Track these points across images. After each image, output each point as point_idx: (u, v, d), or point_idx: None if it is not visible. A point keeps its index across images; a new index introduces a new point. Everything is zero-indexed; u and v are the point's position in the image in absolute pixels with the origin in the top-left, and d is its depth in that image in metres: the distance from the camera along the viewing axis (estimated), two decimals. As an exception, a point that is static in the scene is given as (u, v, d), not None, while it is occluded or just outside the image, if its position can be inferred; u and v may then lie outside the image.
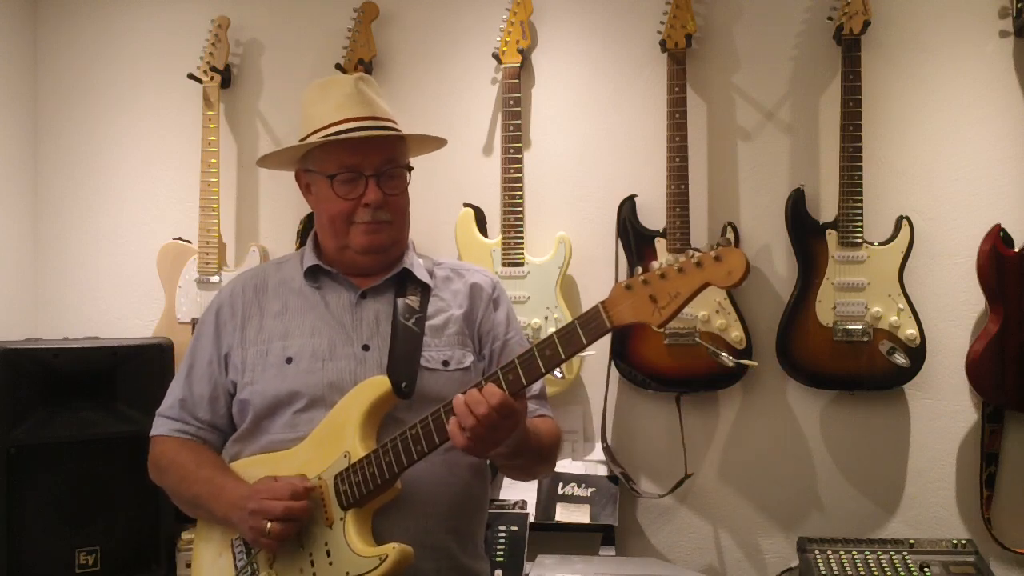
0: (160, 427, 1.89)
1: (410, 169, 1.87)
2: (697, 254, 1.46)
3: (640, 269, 1.51)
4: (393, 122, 1.85)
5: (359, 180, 1.79)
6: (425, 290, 1.87)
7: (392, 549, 1.60)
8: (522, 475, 1.96)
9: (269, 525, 1.62)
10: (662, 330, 1.53)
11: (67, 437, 2.60)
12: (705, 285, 1.46)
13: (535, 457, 1.80)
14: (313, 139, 1.80)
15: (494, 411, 1.52)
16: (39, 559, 2.56)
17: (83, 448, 2.61)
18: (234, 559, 1.76)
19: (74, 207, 3.27)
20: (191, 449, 1.84)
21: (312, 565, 1.66)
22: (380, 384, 1.70)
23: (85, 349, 2.69)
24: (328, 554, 1.65)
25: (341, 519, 1.65)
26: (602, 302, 1.52)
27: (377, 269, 1.86)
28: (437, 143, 1.96)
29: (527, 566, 2.56)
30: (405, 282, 1.87)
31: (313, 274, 1.87)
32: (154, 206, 3.22)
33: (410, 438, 1.62)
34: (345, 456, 1.67)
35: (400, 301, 1.83)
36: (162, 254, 3.06)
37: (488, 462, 1.89)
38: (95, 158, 3.26)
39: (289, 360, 1.79)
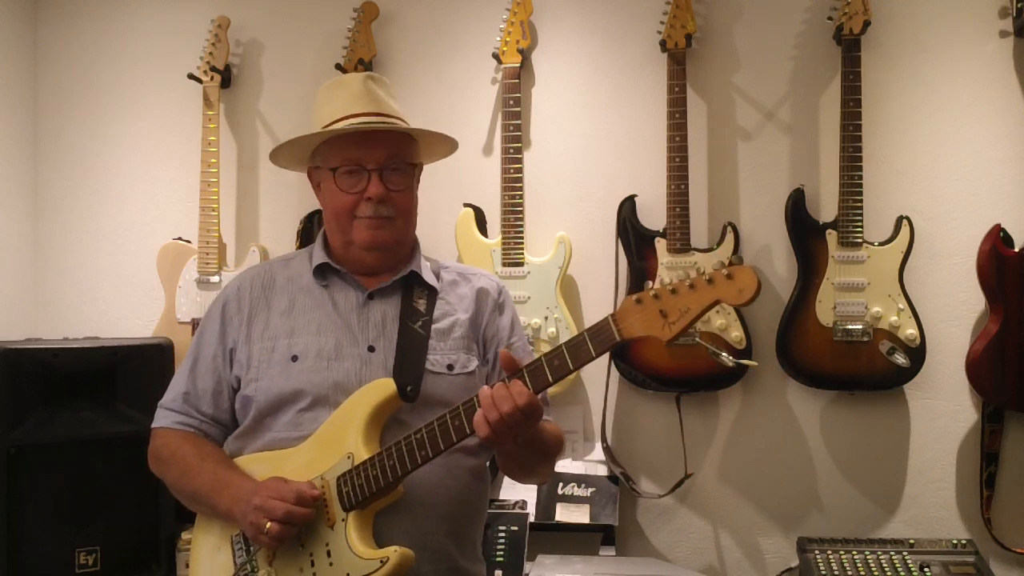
0: (162, 419, 1.89)
1: (415, 166, 1.86)
2: (709, 271, 1.46)
3: (651, 283, 1.52)
4: (402, 120, 1.85)
5: (362, 174, 1.79)
6: (432, 293, 1.87)
7: (394, 552, 1.59)
8: (524, 475, 1.96)
9: (268, 524, 1.62)
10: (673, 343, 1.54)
11: (67, 437, 2.60)
12: (716, 302, 1.46)
13: (542, 457, 1.81)
14: (331, 130, 1.81)
15: (519, 410, 1.53)
16: (39, 559, 2.55)
17: (83, 448, 2.61)
18: (233, 555, 1.76)
19: (74, 207, 3.27)
20: (193, 442, 1.84)
21: (312, 565, 1.66)
22: (386, 387, 1.70)
23: (85, 349, 2.68)
24: (329, 555, 1.65)
25: (343, 520, 1.65)
26: (612, 314, 1.53)
27: (384, 268, 1.87)
28: (446, 143, 1.95)
29: (527, 566, 2.55)
30: (412, 284, 1.87)
31: (322, 272, 1.88)
32: (154, 206, 3.22)
33: (415, 442, 1.62)
34: (349, 458, 1.67)
35: (407, 304, 1.83)
36: (162, 254, 3.06)
37: (488, 464, 1.90)
38: (95, 158, 3.26)
39: (294, 358, 1.79)
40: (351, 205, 1.80)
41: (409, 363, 1.76)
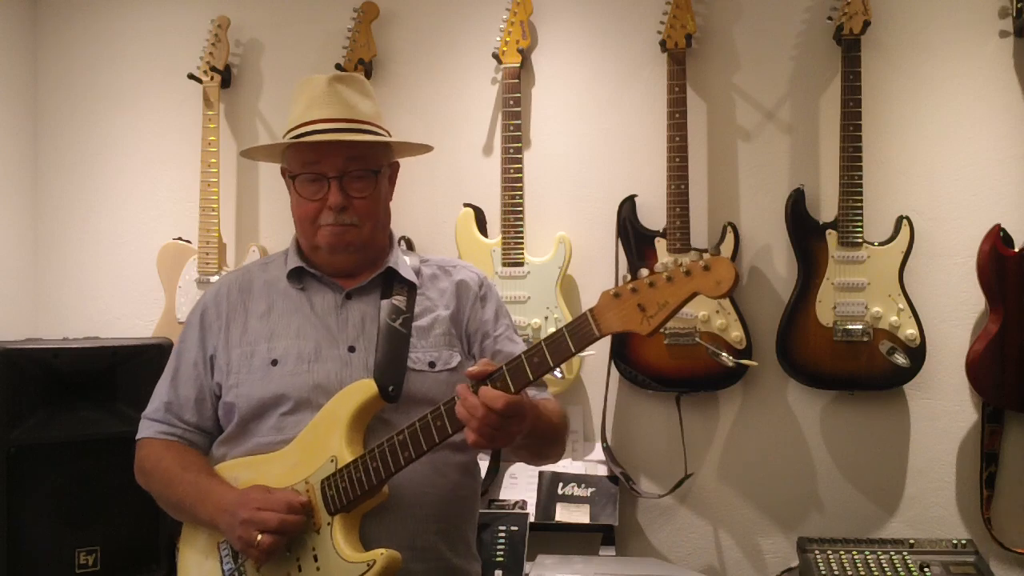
0: (146, 430, 1.88)
1: (379, 169, 1.82)
2: (686, 263, 1.44)
3: (629, 277, 1.50)
4: (370, 123, 1.83)
5: (322, 182, 1.78)
6: (411, 289, 1.85)
7: (380, 555, 1.59)
8: (535, 459, 1.92)
9: (260, 537, 1.61)
10: (653, 336, 1.52)
11: (67, 437, 2.59)
12: (693, 295, 1.45)
13: (547, 442, 1.78)
14: (283, 140, 1.82)
15: (494, 414, 1.51)
16: (39, 559, 2.55)
17: (83, 448, 2.61)
18: (220, 563, 1.76)
19: (74, 207, 3.28)
20: (176, 452, 1.83)
21: (300, 571, 1.65)
22: (367, 388, 1.69)
23: (85, 349, 2.68)
24: (316, 559, 1.64)
25: (328, 524, 1.64)
26: (591, 310, 1.51)
27: (357, 268, 1.85)
28: (415, 148, 1.93)
29: (527, 566, 2.55)
30: (391, 281, 1.85)
31: (297, 276, 1.86)
32: (154, 206, 3.22)
33: (397, 444, 1.61)
34: (332, 461, 1.66)
35: (386, 302, 1.81)
36: (162, 254, 3.06)
37: (478, 459, 1.88)
38: (95, 158, 3.27)
39: (274, 362, 1.78)
40: (314, 213, 1.79)
41: (390, 362, 1.74)
